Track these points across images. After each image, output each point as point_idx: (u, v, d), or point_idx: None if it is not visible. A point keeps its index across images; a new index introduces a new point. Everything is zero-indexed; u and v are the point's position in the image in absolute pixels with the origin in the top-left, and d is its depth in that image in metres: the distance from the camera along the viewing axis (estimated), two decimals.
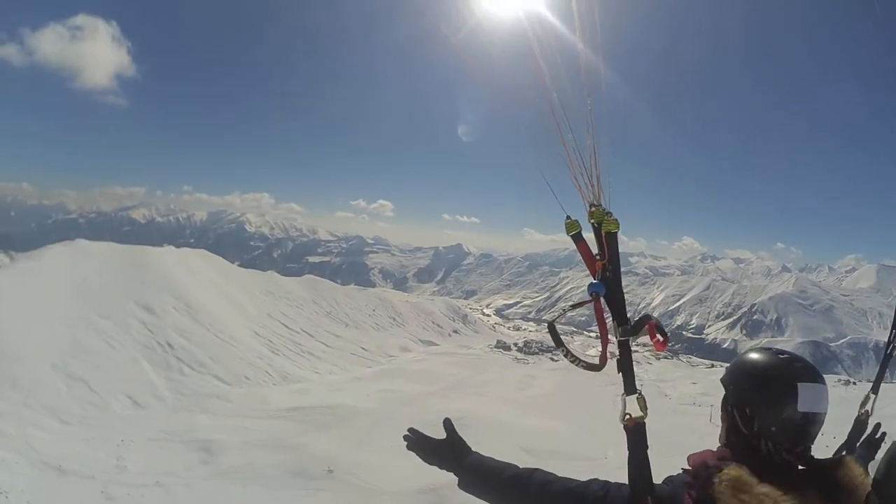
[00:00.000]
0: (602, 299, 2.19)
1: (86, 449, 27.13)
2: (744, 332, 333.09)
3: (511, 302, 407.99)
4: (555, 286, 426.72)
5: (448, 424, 2.69)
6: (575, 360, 2.22)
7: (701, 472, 2.05)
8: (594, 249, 2.23)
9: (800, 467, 2.10)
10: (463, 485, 2.53)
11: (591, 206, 2.21)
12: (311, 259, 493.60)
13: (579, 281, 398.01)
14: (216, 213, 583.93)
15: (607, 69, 2.23)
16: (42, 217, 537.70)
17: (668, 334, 2.19)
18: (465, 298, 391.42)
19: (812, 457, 2.14)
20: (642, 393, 2.16)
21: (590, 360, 2.26)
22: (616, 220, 2.19)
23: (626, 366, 2.17)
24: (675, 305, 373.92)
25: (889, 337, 3.37)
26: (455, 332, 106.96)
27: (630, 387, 2.15)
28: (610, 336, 2.25)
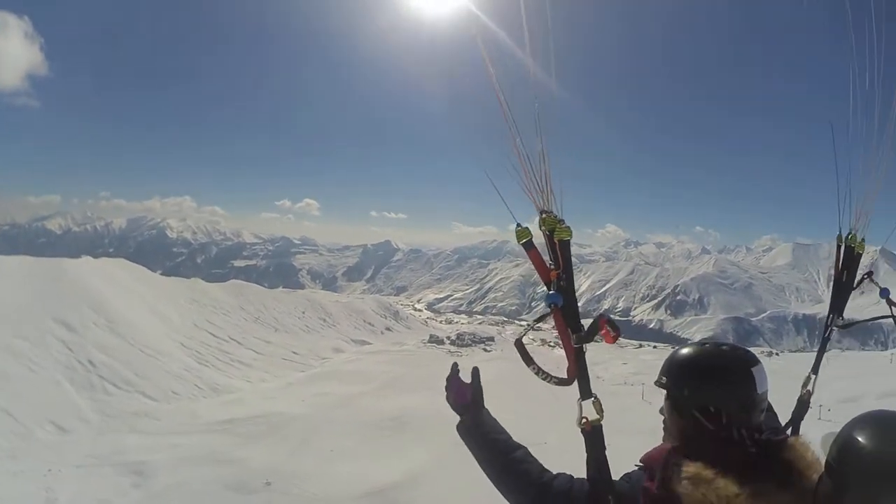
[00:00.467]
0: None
1: (13, 483, 25.91)
2: (668, 312, 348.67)
3: (442, 296, 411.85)
4: (484, 278, 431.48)
5: (475, 373, 2.68)
6: (546, 377, 2.18)
7: (658, 468, 2.10)
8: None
9: (752, 450, 2.09)
10: (462, 428, 2.63)
11: (542, 213, 2.22)
12: (237, 263, 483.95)
13: (508, 272, 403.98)
14: (136, 219, 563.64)
15: (547, 69, 2.21)
16: None
17: (619, 329, 2.21)
18: (395, 295, 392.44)
19: (765, 438, 2.15)
20: (597, 396, 2.20)
21: (559, 376, 2.22)
22: (569, 227, 2.20)
23: (581, 371, 2.20)
24: (602, 290, 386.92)
25: (826, 320, 3.44)
26: (387, 329, 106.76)
27: (586, 391, 2.19)
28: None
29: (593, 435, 2.19)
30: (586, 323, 2.24)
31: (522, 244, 2.24)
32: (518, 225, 2.24)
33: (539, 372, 2.16)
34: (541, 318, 2.33)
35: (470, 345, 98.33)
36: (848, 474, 1.89)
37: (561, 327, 2.22)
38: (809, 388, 3.17)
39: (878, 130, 3.03)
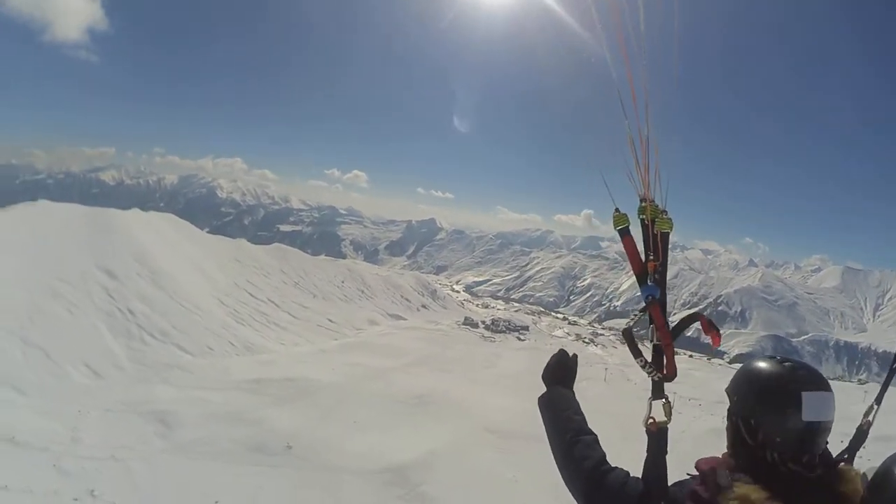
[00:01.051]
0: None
1: (41, 420, 26.32)
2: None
3: (481, 279, 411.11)
4: (525, 266, 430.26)
5: (574, 357, 2.76)
6: (652, 371, 2.16)
7: (710, 482, 2.03)
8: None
9: (808, 475, 2.03)
10: (543, 399, 2.63)
11: (642, 202, 2.17)
12: (283, 228, 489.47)
13: (549, 262, 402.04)
14: (187, 177, 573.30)
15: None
16: (9, 177, 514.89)
17: (719, 329, 2.25)
18: (435, 274, 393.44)
19: (819, 464, 2.08)
20: (669, 399, 2.19)
21: (664, 373, 2.21)
22: (670, 219, 2.15)
23: (657, 366, 2.19)
24: None
25: None
26: (423, 307, 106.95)
27: (658, 391, 2.21)
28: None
29: (658, 437, 2.17)
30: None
31: (619, 230, 2.21)
32: (616, 210, 2.20)
33: (646, 366, 2.15)
34: (644, 309, 2.25)
35: (504, 331, 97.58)
36: (883, 501, 1.87)
37: (660, 321, 2.20)
38: (870, 418, 2.93)
39: None
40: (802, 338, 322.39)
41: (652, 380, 2.21)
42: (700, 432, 35.67)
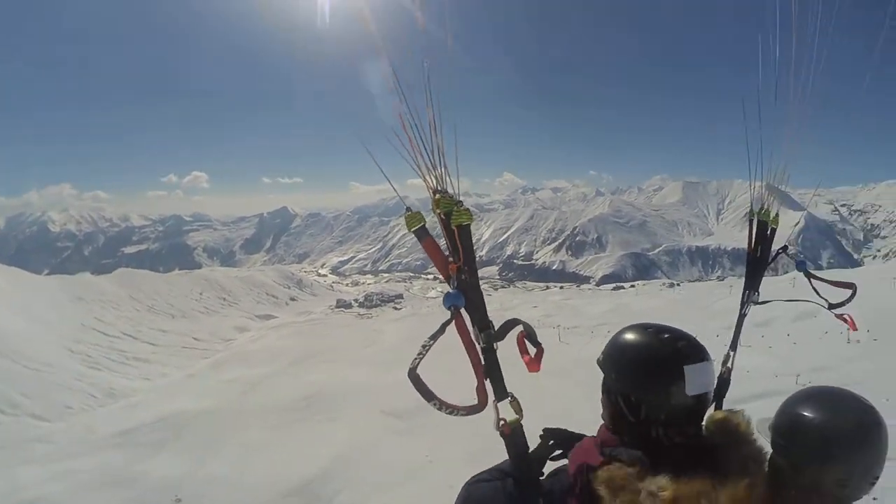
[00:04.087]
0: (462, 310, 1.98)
1: None
2: (569, 252, 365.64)
3: (346, 258, 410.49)
4: (387, 236, 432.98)
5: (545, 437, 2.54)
6: (452, 409, 1.89)
7: (580, 474, 1.95)
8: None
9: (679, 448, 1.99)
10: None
11: (435, 194, 1.99)
12: (128, 250, 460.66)
13: None
14: (14, 217, 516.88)
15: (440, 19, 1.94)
16: None
17: (541, 344, 2.02)
18: (298, 263, 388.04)
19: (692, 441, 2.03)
20: (514, 395, 2.03)
21: (467, 405, 1.91)
22: (468, 209, 1.97)
23: (493, 371, 2.00)
24: (504, 237, 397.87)
25: (742, 297, 3.34)
26: (293, 299, 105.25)
27: (501, 392, 2.02)
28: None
29: (514, 436, 2.02)
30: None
31: (414, 232, 1.99)
32: (407, 209, 1.98)
33: (442, 407, 1.87)
34: (441, 329, 1.94)
35: (379, 305, 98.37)
36: (803, 450, 2.03)
37: (465, 336, 1.98)
38: (729, 364, 3.12)
39: (793, 100, 2.81)
40: (657, 250, 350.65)
41: (493, 385, 2.01)
42: (588, 358, 36.74)
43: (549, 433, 2.51)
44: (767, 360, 30.65)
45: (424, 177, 2.00)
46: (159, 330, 67.35)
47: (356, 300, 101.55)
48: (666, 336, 2.08)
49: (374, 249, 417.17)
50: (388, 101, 1.95)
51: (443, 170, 1.99)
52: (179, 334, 67.64)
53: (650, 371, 2.02)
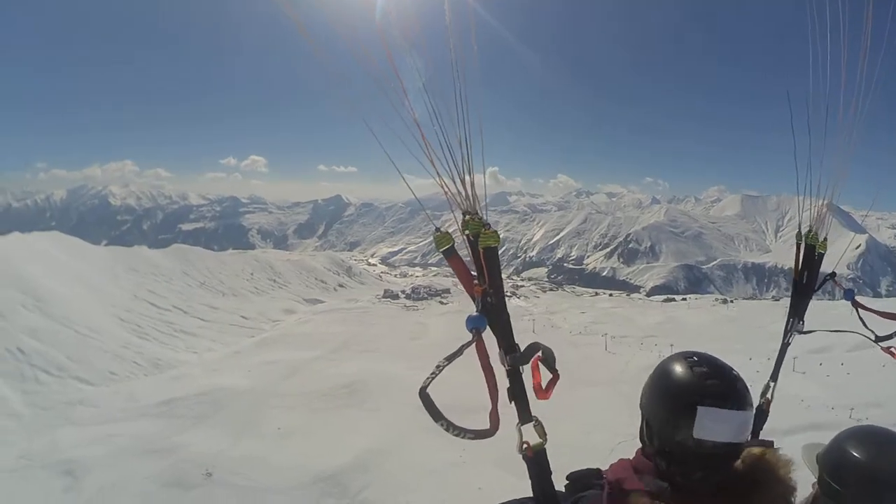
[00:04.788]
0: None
1: None
2: (621, 259, 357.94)
3: (396, 249, 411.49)
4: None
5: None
6: (459, 432, 1.81)
7: (614, 496, 1.91)
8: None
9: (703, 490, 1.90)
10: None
11: (464, 215, 1.98)
12: (185, 227, 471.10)
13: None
14: (76, 189, 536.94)
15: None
16: None
17: (557, 371, 1.92)
18: (349, 250, 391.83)
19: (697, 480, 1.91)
20: (539, 420, 1.97)
21: (476, 428, 1.83)
22: (496, 232, 1.94)
23: (517, 394, 1.96)
24: (556, 239, 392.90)
25: (786, 325, 3.22)
26: (341, 286, 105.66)
27: (525, 415, 1.97)
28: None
29: (536, 460, 1.97)
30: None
31: (443, 252, 1.99)
32: (437, 229, 2.00)
33: (450, 428, 1.80)
34: (457, 353, 1.85)
35: (426, 298, 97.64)
36: (848, 490, 2.01)
37: (484, 359, 1.91)
38: (769, 396, 2.98)
39: (849, 121, 2.87)
40: (712, 264, 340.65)
41: (518, 408, 1.97)
42: (637, 370, 35.96)
43: (574, 482, 2.21)
44: (823, 391, 29.38)
45: (453, 197, 1.98)
46: (209, 306, 68.19)
47: (403, 292, 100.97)
48: (701, 370, 1.93)
49: (424, 242, 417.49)
50: (421, 125, 1.89)
51: (472, 192, 1.96)
52: (228, 311, 68.37)
53: (664, 400, 1.95)
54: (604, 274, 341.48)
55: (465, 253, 1.99)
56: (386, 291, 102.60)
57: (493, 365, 1.92)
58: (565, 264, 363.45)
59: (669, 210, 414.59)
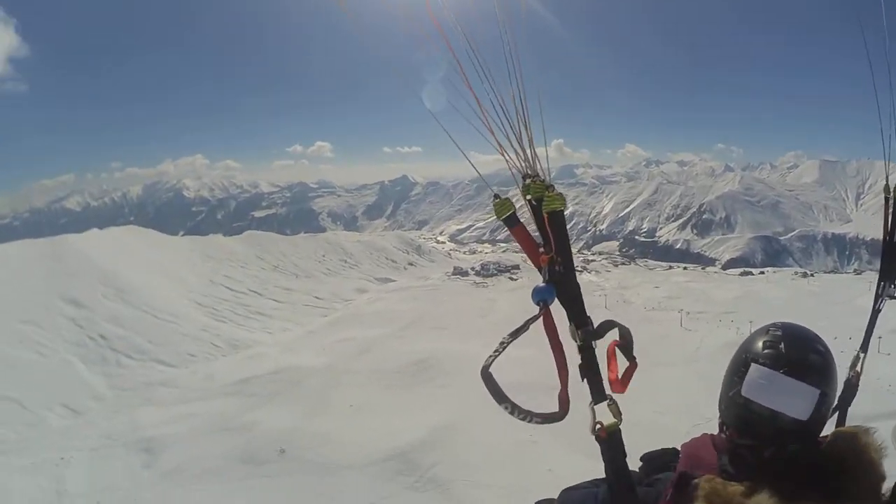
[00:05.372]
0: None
1: (23, 478, 24.86)
2: (694, 231, 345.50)
3: (464, 226, 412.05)
4: None
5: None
6: (525, 415, 1.65)
7: (683, 482, 1.78)
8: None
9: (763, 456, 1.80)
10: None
11: (525, 179, 1.84)
12: (257, 214, 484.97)
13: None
14: (151, 184, 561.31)
15: None
16: None
17: (636, 359, 1.76)
18: (417, 229, 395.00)
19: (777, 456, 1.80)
20: (613, 398, 1.82)
21: (545, 411, 1.67)
22: (560, 194, 1.75)
23: (590, 372, 1.80)
24: (626, 212, 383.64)
25: (877, 290, 2.87)
26: (411, 264, 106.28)
27: (598, 394, 1.81)
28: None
29: (610, 442, 1.80)
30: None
31: (503, 220, 1.81)
32: (496, 196, 1.83)
33: (515, 411, 1.66)
34: (524, 327, 1.72)
35: (495, 274, 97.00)
36: None
37: (553, 335, 1.76)
38: (858, 368, 2.67)
39: None
40: (790, 235, 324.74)
41: (590, 386, 1.79)
42: (714, 348, 34.44)
43: (649, 462, 2.26)
44: None
45: (512, 160, 1.83)
46: (283, 288, 69.51)
47: (472, 268, 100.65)
48: (775, 333, 1.86)
49: (492, 219, 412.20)
50: (472, 81, 1.75)
51: (532, 154, 1.82)
52: (302, 293, 69.53)
53: (735, 356, 1.92)
54: (677, 246, 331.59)
55: (528, 220, 1.81)
56: (455, 268, 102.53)
57: (562, 342, 1.75)
58: (637, 237, 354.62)
59: (744, 178, 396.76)
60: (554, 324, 1.74)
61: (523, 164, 1.82)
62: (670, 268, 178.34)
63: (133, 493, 22.32)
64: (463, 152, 1.94)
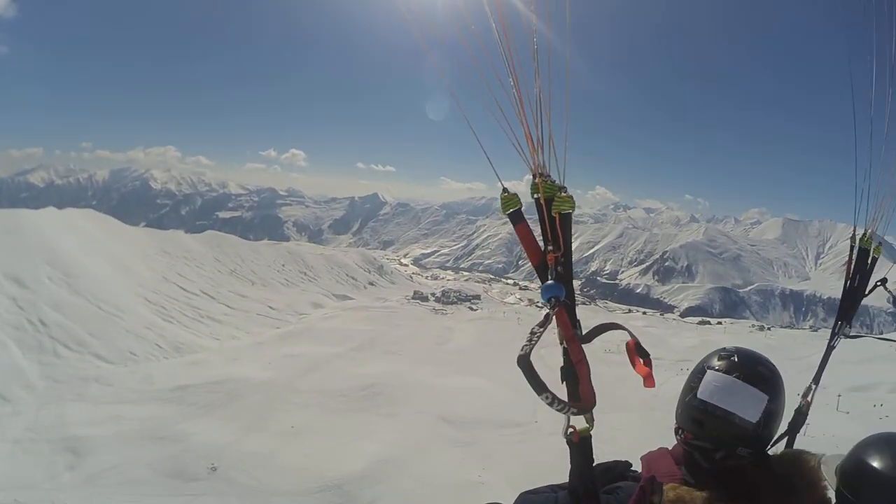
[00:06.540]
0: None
1: None
2: (656, 277, 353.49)
3: (429, 251, 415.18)
4: (472, 234, 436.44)
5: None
6: (563, 406, 1.70)
7: (652, 488, 1.92)
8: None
9: (707, 463, 2.00)
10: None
11: (536, 177, 1.82)
12: (222, 215, 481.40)
13: (496, 229, 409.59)
14: (119, 171, 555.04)
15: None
16: None
17: (649, 354, 1.82)
18: (382, 249, 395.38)
19: (723, 457, 2.00)
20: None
21: (578, 405, 1.74)
22: (571, 197, 1.79)
23: (569, 375, 1.83)
24: (590, 252, 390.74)
25: (833, 328, 3.25)
26: (371, 283, 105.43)
27: (575, 398, 1.84)
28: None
29: (581, 446, 1.87)
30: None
31: (508, 215, 1.84)
32: (504, 190, 1.85)
33: (554, 402, 1.67)
34: (546, 321, 1.73)
35: (455, 302, 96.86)
36: (861, 500, 1.95)
37: (567, 330, 1.81)
38: (809, 398, 2.96)
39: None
40: (749, 288, 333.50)
41: (568, 390, 1.81)
42: (671, 396, 34.02)
43: (604, 472, 2.29)
44: (868, 432, 27.74)
45: (526, 156, 1.81)
46: (238, 294, 68.08)
47: (433, 294, 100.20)
48: (728, 350, 2.11)
49: (457, 246, 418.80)
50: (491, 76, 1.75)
51: (550, 152, 1.79)
52: (256, 301, 68.21)
53: (690, 373, 2.13)
54: (638, 291, 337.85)
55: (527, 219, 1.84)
56: (416, 293, 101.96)
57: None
58: (599, 278, 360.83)
59: (708, 229, 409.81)
60: (567, 319, 1.77)
61: (537, 163, 1.78)
62: (630, 311, 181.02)
63: (53, 495, 21.14)
64: (494, 169, 1.94)
